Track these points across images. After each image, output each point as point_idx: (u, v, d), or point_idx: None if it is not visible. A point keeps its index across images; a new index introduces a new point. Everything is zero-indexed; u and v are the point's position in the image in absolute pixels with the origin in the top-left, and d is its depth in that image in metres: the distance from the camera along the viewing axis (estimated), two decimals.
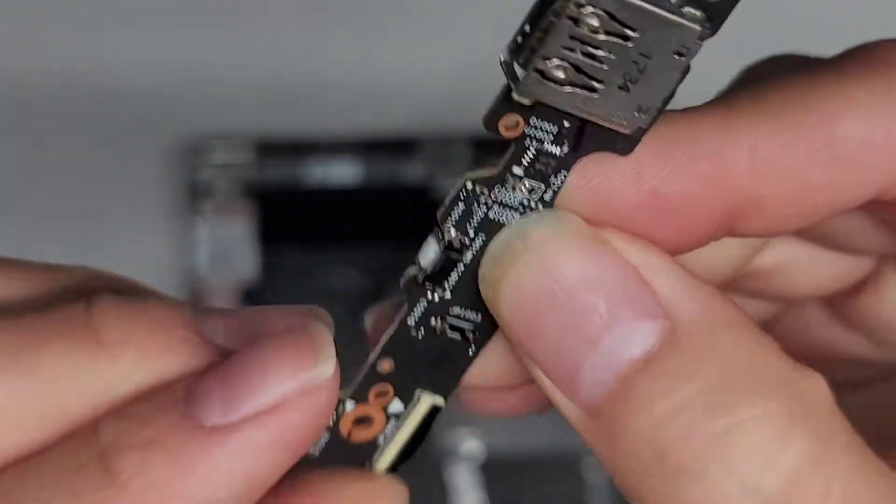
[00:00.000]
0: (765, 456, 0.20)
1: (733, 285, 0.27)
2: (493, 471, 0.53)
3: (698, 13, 0.22)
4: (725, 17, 0.22)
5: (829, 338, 0.28)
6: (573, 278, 0.22)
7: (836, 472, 0.21)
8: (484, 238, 0.24)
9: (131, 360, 0.22)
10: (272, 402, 0.21)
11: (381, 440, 0.25)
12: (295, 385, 0.22)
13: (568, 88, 0.23)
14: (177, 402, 0.22)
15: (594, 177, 0.23)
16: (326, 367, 0.22)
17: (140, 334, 0.22)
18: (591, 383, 0.22)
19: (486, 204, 0.24)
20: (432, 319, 0.25)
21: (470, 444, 0.52)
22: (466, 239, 0.25)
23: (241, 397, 0.21)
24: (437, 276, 0.25)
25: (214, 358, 0.22)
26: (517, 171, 0.24)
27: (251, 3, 0.56)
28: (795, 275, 0.27)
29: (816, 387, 0.21)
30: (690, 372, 0.21)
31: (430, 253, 0.25)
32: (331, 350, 0.22)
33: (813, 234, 0.27)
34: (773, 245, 0.27)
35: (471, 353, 0.25)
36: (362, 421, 0.25)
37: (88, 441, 0.21)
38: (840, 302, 0.28)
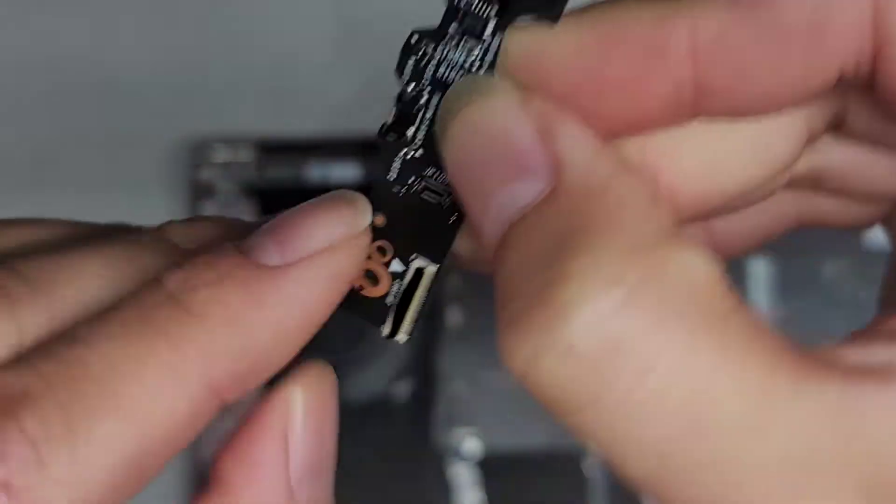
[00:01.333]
0: (590, 318, 0.20)
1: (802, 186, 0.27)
2: (493, 470, 0.53)
3: None
4: None
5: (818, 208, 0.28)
6: (489, 133, 0.24)
7: (666, 344, 0.20)
8: (438, 96, 0.27)
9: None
10: (323, 245, 0.25)
11: (389, 300, 0.28)
12: (342, 229, 0.25)
13: None
14: (234, 251, 0.24)
15: (532, 47, 0.25)
16: (365, 215, 0.26)
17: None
18: (490, 228, 0.23)
19: (434, 59, 0.27)
20: (411, 177, 0.27)
21: (470, 444, 0.52)
22: (424, 93, 0.27)
23: (296, 241, 0.24)
24: (399, 124, 0.27)
25: None
26: (452, 27, 0.27)
27: (254, 2, 0.56)
28: (856, 175, 0.27)
29: (682, 260, 0.21)
30: (551, 228, 0.22)
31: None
32: (366, 204, 0.26)
33: (849, 130, 0.26)
34: (813, 150, 0.26)
35: (451, 220, 0.27)
36: (370, 277, 0.28)
37: (155, 289, 0.23)
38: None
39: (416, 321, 0.28)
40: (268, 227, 0.25)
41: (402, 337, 0.28)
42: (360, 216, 0.26)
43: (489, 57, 0.27)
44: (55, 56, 0.55)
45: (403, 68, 0.27)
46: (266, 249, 0.24)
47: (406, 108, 0.27)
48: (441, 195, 0.27)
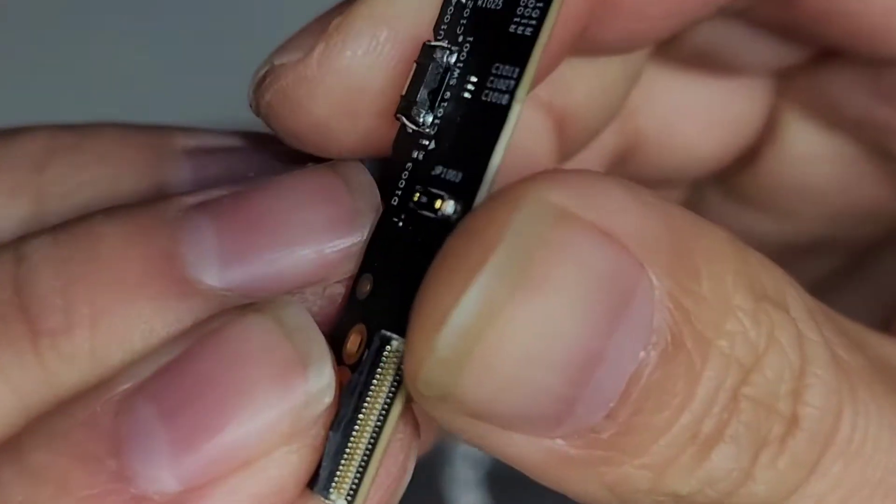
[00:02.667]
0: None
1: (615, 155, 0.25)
2: (494, 471, 0.53)
3: None
4: None
5: (727, 220, 0.26)
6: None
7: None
8: (471, 42, 0.19)
9: (81, 347, 0.19)
10: (244, 456, 0.18)
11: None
12: (276, 417, 0.18)
13: None
14: (108, 442, 0.18)
15: None
16: (321, 390, 0.18)
17: (93, 306, 0.19)
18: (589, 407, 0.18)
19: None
20: (415, 192, 0.19)
21: (472, 445, 0.52)
22: (455, 46, 0.19)
23: (202, 433, 0.18)
24: (416, 103, 0.19)
25: (205, 317, 0.19)
26: None
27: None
28: (681, 137, 0.25)
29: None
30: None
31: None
32: (323, 365, 0.18)
33: (693, 60, 0.25)
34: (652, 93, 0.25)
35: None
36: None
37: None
38: (735, 178, 0.26)
39: (368, 466, 0.18)
40: (176, 391, 0.18)
41: (335, 498, 0.18)
42: (310, 394, 0.18)
43: None
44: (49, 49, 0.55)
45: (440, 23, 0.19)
46: (157, 454, 0.17)
47: (429, 70, 0.19)
48: (438, 198, 0.19)
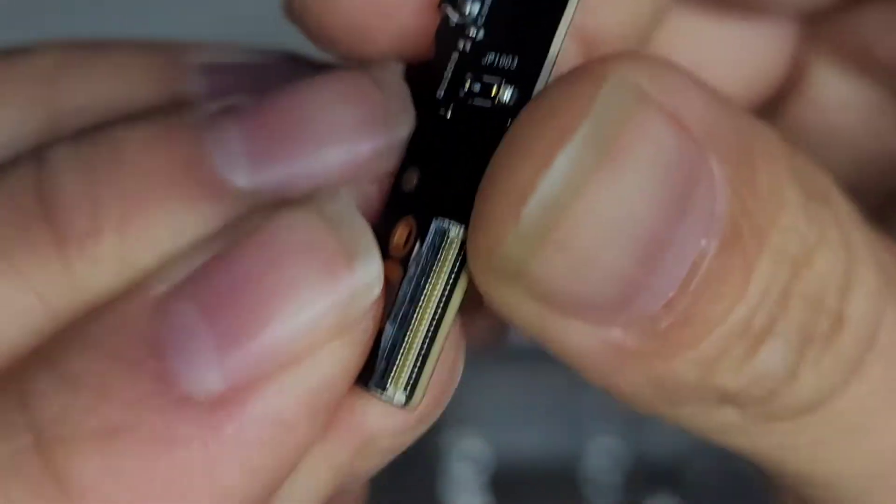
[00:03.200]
0: None
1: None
2: (494, 471, 0.52)
3: None
4: None
5: None
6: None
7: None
8: None
9: (109, 250, 0.18)
10: (292, 352, 0.17)
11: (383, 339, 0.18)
12: (324, 308, 0.17)
13: None
14: (146, 345, 0.17)
15: None
16: (369, 284, 0.17)
17: (120, 208, 0.18)
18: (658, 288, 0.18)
19: None
20: (466, 82, 0.18)
21: (471, 445, 0.52)
22: None
23: (253, 338, 0.17)
24: None
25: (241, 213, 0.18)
26: None
27: None
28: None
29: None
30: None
31: None
32: (370, 255, 0.17)
33: (719, 1, 0.24)
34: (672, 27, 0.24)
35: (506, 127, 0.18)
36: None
37: (18, 408, 0.17)
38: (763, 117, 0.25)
39: (427, 359, 0.17)
40: (215, 292, 0.17)
41: (393, 394, 0.17)
42: (357, 287, 0.17)
43: None
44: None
45: None
46: (202, 365, 0.17)
47: None
48: (495, 85, 0.18)
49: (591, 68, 0.17)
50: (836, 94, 0.25)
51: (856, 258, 0.19)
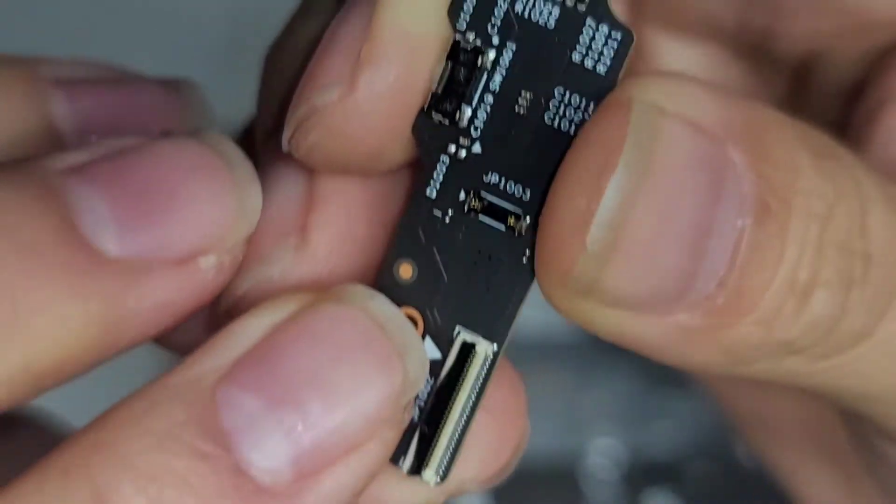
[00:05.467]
0: None
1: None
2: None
3: None
4: None
5: None
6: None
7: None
8: (514, 50, 0.19)
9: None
10: (352, 442, 0.18)
11: (414, 408, 0.19)
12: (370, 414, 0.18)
13: None
14: (210, 431, 0.18)
15: None
16: (411, 380, 0.19)
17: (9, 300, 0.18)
18: (707, 275, 0.20)
19: None
20: (461, 192, 0.19)
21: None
22: (490, 50, 0.19)
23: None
24: (450, 97, 0.19)
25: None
26: None
27: None
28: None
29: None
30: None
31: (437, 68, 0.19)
32: (412, 344, 0.19)
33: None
34: None
35: (524, 260, 0.19)
36: None
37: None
38: None
39: (458, 448, 0.19)
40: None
41: (430, 476, 0.20)
42: (407, 381, 0.19)
43: None
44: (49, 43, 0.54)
45: (460, 5, 0.19)
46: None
47: (462, 71, 0.19)
48: (511, 215, 0.19)
49: (617, 102, 0.19)
50: (675, 56, 0.27)
51: (868, 199, 0.20)
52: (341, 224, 0.20)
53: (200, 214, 0.19)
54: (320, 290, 0.19)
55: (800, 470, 0.28)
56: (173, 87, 0.23)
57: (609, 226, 0.18)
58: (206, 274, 0.19)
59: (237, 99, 0.55)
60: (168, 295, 0.19)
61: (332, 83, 0.19)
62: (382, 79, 0.19)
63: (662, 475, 0.55)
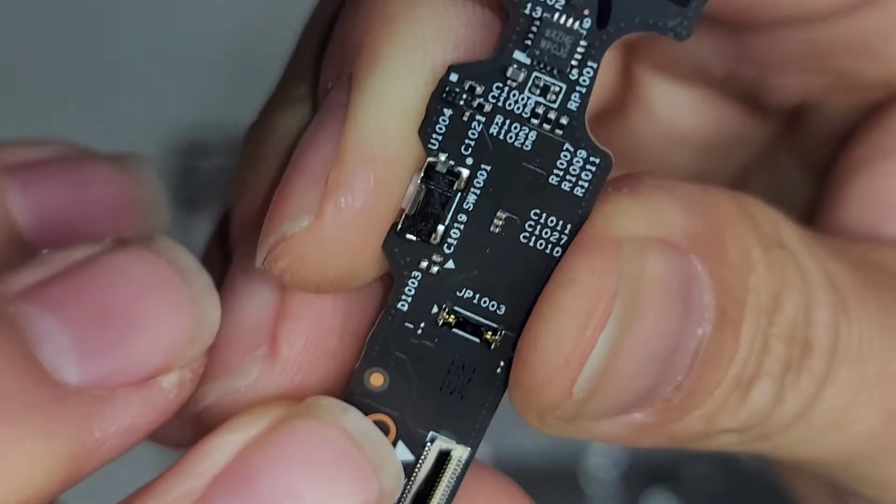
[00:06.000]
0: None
1: None
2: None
3: None
4: None
5: None
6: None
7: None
8: (489, 171, 0.19)
9: None
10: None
11: None
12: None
13: None
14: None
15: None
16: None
17: None
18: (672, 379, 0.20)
19: (482, 109, 0.18)
20: (433, 306, 0.19)
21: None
22: (463, 169, 0.19)
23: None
24: (423, 219, 0.19)
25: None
26: (519, 55, 0.18)
27: None
28: None
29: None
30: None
31: (409, 186, 0.19)
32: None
33: None
34: None
35: (499, 370, 0.19)
36: None
37: None
38: (606, 135, 0.26)
39: None
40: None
41: None
42: (382, 494, 0.19)
43: (576, 100, 0.18)
44: (45, 44, 0.55)
45: (432, 126, 0.18)
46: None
47: (436, 193, 0.19)
48: (487, 331, 0.19)
49: (604, 242, 0.19)
50: (670, 102, 0.27)
51: (811, 285, 0.21)
52: (312, 335, 0.20)
53: (159, 334, 0.19)
54: (291, 402, 0.19)
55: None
56: (124, 163, 0.23)
57: (595, 375, 0.19)
58: (169, 393, 0.19)
59: (240, 106, 0.55)
60: (132, 419, 0.19)
61: (301, 212, 0.19)
62: (350, 207, 0.19)
63: (662, 475, 0.55)
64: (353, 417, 0.19)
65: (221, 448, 0.19)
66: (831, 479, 0.24)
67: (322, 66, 0.21)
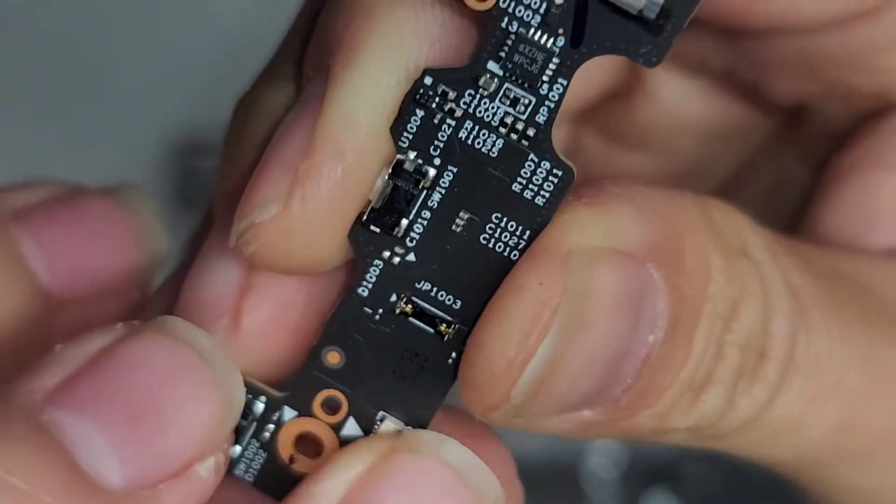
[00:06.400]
0: None
1: None
2: None
3: None
4: None
5: (605, 161, 0.28)
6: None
7: None
8: (455, 173, 0.19)
9: None
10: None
11: None
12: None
13: None
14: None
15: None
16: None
17: None
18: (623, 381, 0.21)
19: (453, 113, 0.19)
20: (392, 294, 0.20)
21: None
22: (430, 168, 0.19)
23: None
24: (388, 213, 0.19)
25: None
26: (493, 66, 0.19)
27: None
28: None
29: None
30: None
31: (377, 180, 0.19)
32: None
33: None
34: None
35: (450, 361, 0.20)
36: (308, 444, 0.20)
37: None
38: (611, 119, 0.27)
39: None
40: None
41: None
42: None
43: (544, 113, 0.19)
44: (42, 44, 0.55)
45: (404, 125, 0.19)
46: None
47: (402, 190, 0.19)
48: (441, 323, 0.20)
49: (554, 254, 0.20)
50: (675, 89, 0.27)
51: (771, 294, 0.21)
52: (274, 310, 0.21)
53: (191, 423, 0.19)
54: (391, 437, 0.20)
55: None
56: (117, 194, 0.24)
57: (535, 380, 0.19)
58: (207, 480, 0.19)
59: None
60: None
61: (270, 200, 0.20)
62: (316, 197, 0.19)
63: (662, 475, 0.55)
64: (452, 450, 0.20)
65: (331, 490, 0.19)
66: (800, 485, 0.25)
67: (306, 53, 0.21)
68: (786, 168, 0.28)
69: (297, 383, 0.20)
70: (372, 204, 0.19)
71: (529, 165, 0.19)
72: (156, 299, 0.23)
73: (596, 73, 0.27)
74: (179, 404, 0.19)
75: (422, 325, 0.20)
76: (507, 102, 0.19)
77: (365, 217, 0.19)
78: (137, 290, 0.23)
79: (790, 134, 0.27)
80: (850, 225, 0.25)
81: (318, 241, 0.20)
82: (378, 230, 0.19)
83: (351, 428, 0.20)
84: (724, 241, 0.21)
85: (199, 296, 0.21)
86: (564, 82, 0.19)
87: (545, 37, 0.19)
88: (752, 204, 0.25)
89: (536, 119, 0.19)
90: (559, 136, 0.26)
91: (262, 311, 0.21)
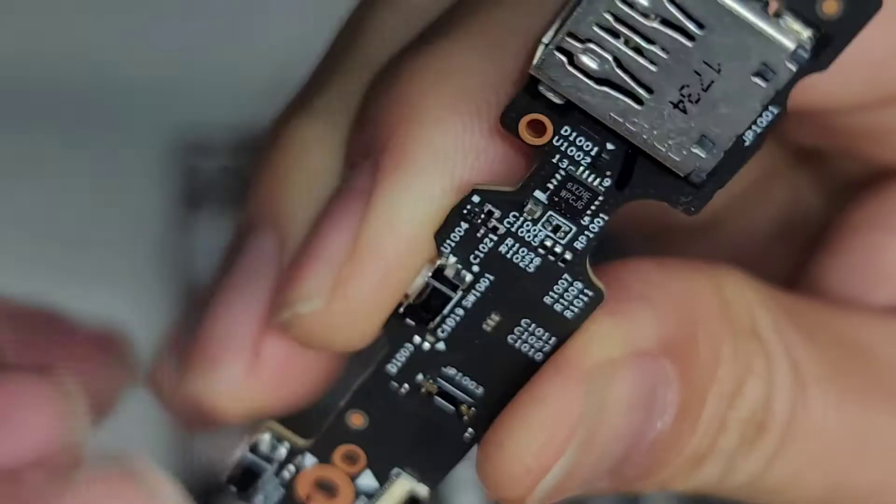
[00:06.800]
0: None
1: None
2: None
3: (799, 28, 0.17)
4: (841, 49, 0.17)
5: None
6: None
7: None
8: (491, 281, 0.21)
9: None
10: None
11: None
12: None
13: (603, 88, 0.18)
14: None
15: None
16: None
17: None
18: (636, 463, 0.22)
19: (496, 230, 0.20)
20: (419, 375, 0.22)
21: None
22: (468, 274, 0.21)
23: None
24: (424, 310, 0.21)
25: None
26: (539, 195, 0.20)
27: None
28: None
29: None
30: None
31: (417, 277, 0.21)
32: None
33: None
34: None
35: (466, 436, 0.22)
36: (325, 488, 0.22)
37: None
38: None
39: None
40: None
41: None
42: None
43: (582, 241, 0.20)
44: (40, 45, 0.55)
45: (448, 234, 0.20)
46: None
47: (440, 292, 0.21)
48: (462, 404, 0.22)
49: (575, 370, 0.21)
50: None
51: (774, 372, 0.22)
52: (293, 351, 0.22)
53: None
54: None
55: None
56: (50, 378, 0.24)
57: (552, 487, 0.21)
58: None
59: (240, 106, 0.55)
60: None
61: (314, 294, 0.21)
62: (357, 299, 0.21)
63: None
64: None
65: None
66: None
67: (351, 133, 0.22)
68: (803, 190, 0.28)
69: (320, 435, 0.22)
70: (410, 300, 0.21)
71: (563, 283, 0.20)
72: (178, 329, 0.24)
73: None
74: None
75: (444, 403, 0.22)
76: (549, 228, 0.20)
77: (402, 309, 0.21)
78: (63, 465, 0.24)
79: (807, 164, 0.28)
80: (851, 283, 0.26)
81: (356, 332, 0.21)
82: (413, 324, 0.21)
83: (367, 478, 0.22)
84: (735, 324, 0.22)
85: (220, 330, 0.22)
86: (606, 217, 0.20)
87: (593, 177, 0.19)
88: (769, 219, 0.27)
89: (575, 245, 0.20)
90: None
91: (282, 346, 0.22)
